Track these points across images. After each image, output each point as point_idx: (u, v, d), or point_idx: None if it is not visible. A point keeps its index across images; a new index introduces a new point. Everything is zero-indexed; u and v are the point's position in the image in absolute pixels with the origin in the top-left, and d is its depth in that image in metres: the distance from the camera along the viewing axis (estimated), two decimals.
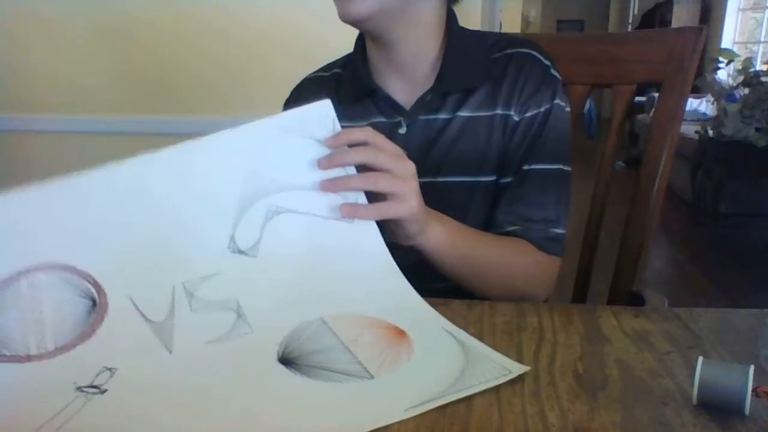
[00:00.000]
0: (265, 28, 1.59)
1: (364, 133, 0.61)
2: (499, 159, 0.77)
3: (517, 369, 0.49)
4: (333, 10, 0.72)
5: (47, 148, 1.79)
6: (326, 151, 0.61)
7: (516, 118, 0.76)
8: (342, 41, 0.88)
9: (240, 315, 0.56)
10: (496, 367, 0.49)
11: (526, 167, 0.75)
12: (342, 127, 0.64)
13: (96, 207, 0.55)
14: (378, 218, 0.61)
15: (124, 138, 1.76)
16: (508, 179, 0.76)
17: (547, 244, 0.74)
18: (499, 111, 0.76)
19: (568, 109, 0.79)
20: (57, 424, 0.43)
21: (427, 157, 0.71)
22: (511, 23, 6.68)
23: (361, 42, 0.81)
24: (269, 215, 0.60)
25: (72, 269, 0.53)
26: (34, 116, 1.75)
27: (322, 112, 0.61)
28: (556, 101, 0.76)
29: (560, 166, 0.77)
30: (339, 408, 0.45)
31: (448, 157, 0.77)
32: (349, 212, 0.60)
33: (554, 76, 0.77)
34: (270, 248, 0.59)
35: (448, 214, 0.70)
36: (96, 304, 0.53)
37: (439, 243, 0.66)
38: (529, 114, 0.75)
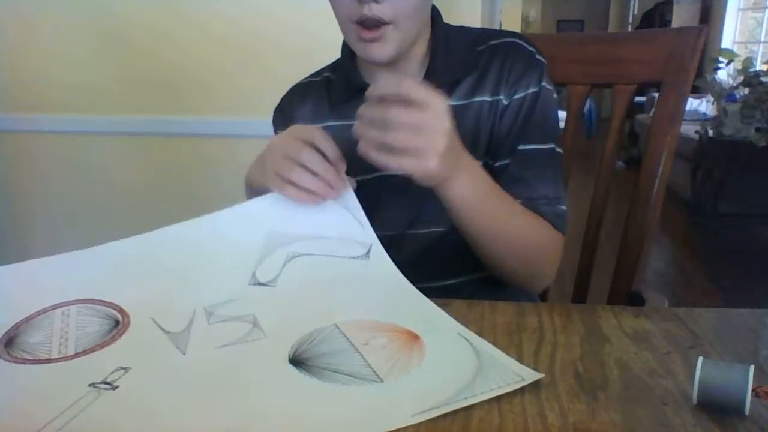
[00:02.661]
0: (264, 29, 1.60)
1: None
2: (488, 143, 0.78)
3: (530, 376, 0.48)
4: (331, 10, 0.73)
5: (47, 148, 1.79)
6: (341, 210, 0.68)
7: (505, 102, 0.77)
8: (340, 40, 0.89)
9: (255, 325, 0.58)
10: (508, 373, 0.49)
11: (521, 147, 0.76)
12: (336, 126, 0.73)
13: (135, 263, 0.66)
14: (388, 168, 0.58)
15: (124, 138, 1.76)
16: (505, 162, 0.77)
17: (555, 220, 0.75)
18: (487, 98, 0.78)
19: (555, 95, 0.81)
20: (67, 418, 0.44)
21: None
22: (511, 23, 6.68)
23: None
24: (289, 257, 0.67)
25: (101, 302, 0.61)
26: (34, 116, 1.75)
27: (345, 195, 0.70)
28: (543, 84, 0.78)
29: (553, 146, 0.78)
30: (345, 411, 0.45)
31: None
32: (363, 148, 0.58)
33: (539, 60, 0.79)
34: (288, 280, 0.65)
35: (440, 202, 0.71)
36: (119, 324, 0.58)
37: (463, 194, 0.65)
38: (517, 96, 0.77)
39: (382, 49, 0.72)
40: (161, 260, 0.66)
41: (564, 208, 0.77)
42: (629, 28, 8.88)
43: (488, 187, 0.68)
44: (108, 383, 0.49)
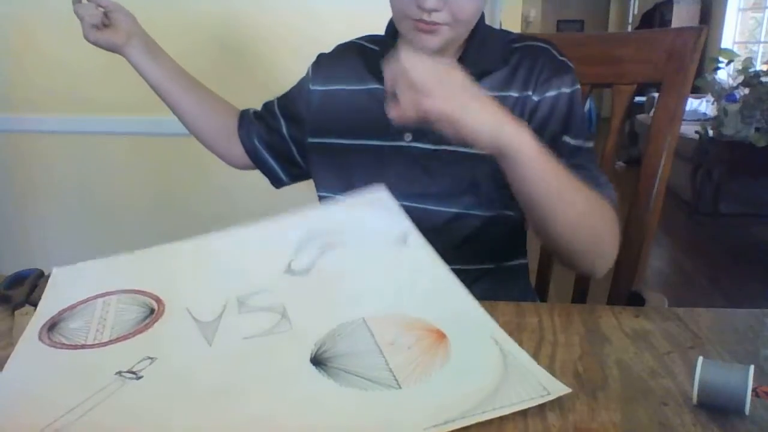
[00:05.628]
0: (265, 29, 1.59)
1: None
2: None
3: (556, 390, 0.46)
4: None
5: (47, 148, 1.79)
6: (379, 209, 0.69)
7: (535, 99, 0.78)
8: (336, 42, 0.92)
9: (284, 316, 0.58)
10: (534, 385, 0.47)
11: (568, 140, 0.77)
12: (378, 89, 0.81)
13: (173, 260, 0.68)
14: (413, 113, 0.58)
15: (124, 138, 1.76)
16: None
17: (611, 202, 0.72)
18: (514, 93, 0.79)
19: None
20: (90, 405, 0.46)
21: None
22: (511, 23, 6.65)
23: (393, 26, 0.86)
24: (325, 247, 0.67)
25: (141, 292, 0.63)
26: (34, 116, 1.75)
27: (379, 196, 0.70)
28: (577, 86, 0.80)
29: (591, 145, 0.80)
30: (357, 419, 0.45)
31: None
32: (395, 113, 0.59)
33: (570, 66, 0.81)
34: (322, 269, 0.65)
35: (455, 183, 0.75)
36: (154, 312, 0.60)
37: (522, 148, 0.60)
38: (550, 94, 0.77)
39: (433, 40, 0.74)
40: (202, 256, 0.69)
41: (615, 194, 0.75)
42: (629, 28, 8.88)
43: (544, 149, 0.63)
44: (133, 372, 0.50)
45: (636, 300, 0.86)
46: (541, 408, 0.45)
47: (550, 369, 0.51)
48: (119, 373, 0.50)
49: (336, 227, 0.69)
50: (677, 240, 3.66)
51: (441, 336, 0.54)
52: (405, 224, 0.67)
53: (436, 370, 0.49)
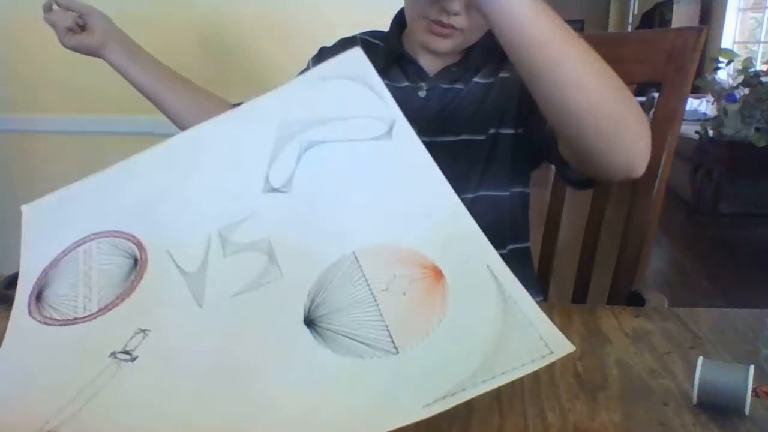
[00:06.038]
0: (264, 29, 1.60)
1: None
2: (518, 112, 0.82)
3: (559, 348, 0.41)
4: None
5: (47, 148, 1.79)
6: (360, 87, 0.61)
7: None
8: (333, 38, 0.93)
9: (271, 256, 0.54)
10: (535, 343, 0.42)
11: None
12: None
13: (142, 179, 0.62)
14: None
15: (124, 138, 1.77)
16: (541, 129, 0.73)
17: None
18: (504, 74, 0.83)
19: None
20: (86, 397, 0.45)
21: (443, 119, 0.80)
22: None
23: (399, 19, 0.88)
24: (302, 149, 0.59)
25: (119, 233, 0.59)
26: (34, 116, 1.75)
27: (354, 56, 0.63)
28: None
29: None
30: (356, 397, 0.43)
31: (462, 118, 0.82)
32: None
33: None
34: (303, 182, 0.57)
35: (458, 172, 0.74)
36: (137, 263, 0.56)
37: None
38: None
39: (445, 43, 0.78)
40: (174, 174, 0.61)
41: None
42: (629, 28, 8.88)
43: (543, 5, 0.54)
44: (128, 353, 0.49)
45: (636, 300, 0.86)
46: (541, 408, 0.45)
47: (550, 369, 0.50)
48: (113, 355, 0.48)
49: (313, 116, 0.60)
50: (677, 240, 3.66)
51: (437, 275, 0.49)
52: (390, 110, 0.58)
53: (434, 327, 0.46)
